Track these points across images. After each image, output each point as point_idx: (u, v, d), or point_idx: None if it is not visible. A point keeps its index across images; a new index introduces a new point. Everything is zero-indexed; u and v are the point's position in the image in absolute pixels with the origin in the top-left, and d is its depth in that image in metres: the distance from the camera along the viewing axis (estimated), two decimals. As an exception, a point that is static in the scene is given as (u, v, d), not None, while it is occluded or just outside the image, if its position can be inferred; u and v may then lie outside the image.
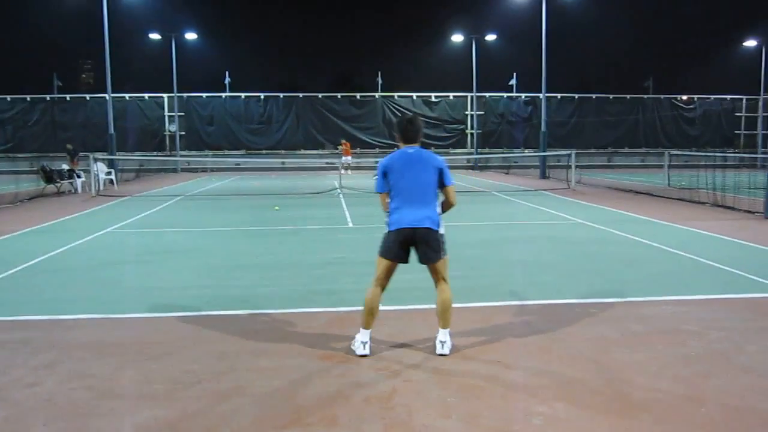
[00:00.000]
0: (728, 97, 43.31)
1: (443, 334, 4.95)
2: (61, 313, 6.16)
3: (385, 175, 5.01)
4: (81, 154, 25.28)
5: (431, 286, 6.64)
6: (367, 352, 4.90)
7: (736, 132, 43.28)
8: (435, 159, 5.00)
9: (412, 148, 5.01)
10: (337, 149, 34.53)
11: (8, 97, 39.29)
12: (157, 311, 6.22)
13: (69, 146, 25.43)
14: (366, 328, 4.95)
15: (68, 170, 22.14)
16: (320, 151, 39.05)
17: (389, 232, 4.96)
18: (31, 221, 13.14)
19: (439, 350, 4.89)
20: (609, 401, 4.02)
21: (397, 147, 5.12)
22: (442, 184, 4.97)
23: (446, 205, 5.05)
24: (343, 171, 30.13)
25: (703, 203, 15.84)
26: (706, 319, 5.79)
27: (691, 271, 8.06)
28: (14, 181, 20.83)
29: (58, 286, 7.43)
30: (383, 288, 5.04)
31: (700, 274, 7.89)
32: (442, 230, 4.92)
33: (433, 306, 6.17)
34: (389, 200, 5.03)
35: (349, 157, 32.28)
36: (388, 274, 5.03)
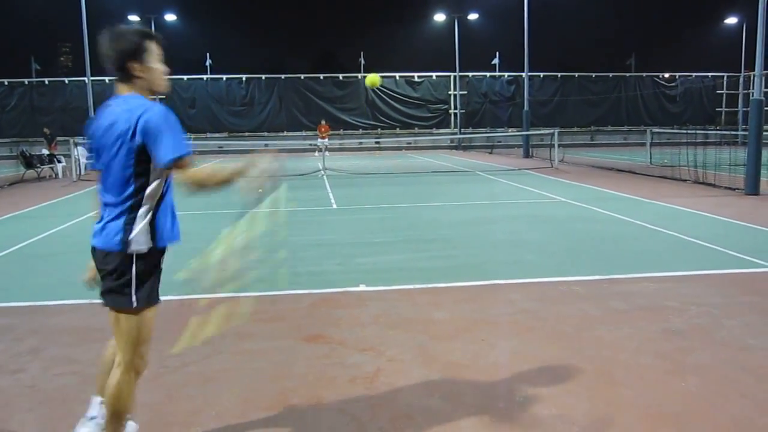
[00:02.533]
0: (709, 74, 43.51)
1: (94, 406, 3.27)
2: (44, 299, 6.11)
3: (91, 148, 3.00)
4: (60, 138, 25.01)
5: (415, 266, 6.67)
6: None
7: (717, 109, 43.54)
8: (125, 122, 2.74)
9: (116, 99, 2.90)
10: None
11: (-15, 82, 38.71)
12: (141, 296, 6.19)
13: (46, 130, 25.12)
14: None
15: (48, 155, 21.89)
16: (304, 133, 38.87)
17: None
18: (11, 207, 13.00)
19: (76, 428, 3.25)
20: (592, 378, 4.07)
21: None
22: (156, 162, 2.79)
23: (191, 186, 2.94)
24: (317, 153, 29.68)
25: (685, 180, 15.98)
26: (687, 295, 5.87)
27: (672, 248, 8.15)
28: (-7, 167, 20.58)
29: (40, 272, 7.37)
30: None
31: (681, 251, 7.97)
32: (138, 247, 2.94)
33: (419, 286, 6.23)
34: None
35: (326, 140, 31.99)
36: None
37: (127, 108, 2.75)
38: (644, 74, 43.20)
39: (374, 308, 5.64)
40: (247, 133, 39.28)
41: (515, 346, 4.68)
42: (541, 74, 41.19)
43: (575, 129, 40.29)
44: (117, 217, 2.87)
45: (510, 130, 38.75)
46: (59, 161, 21.86)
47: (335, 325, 5.19)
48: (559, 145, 23.39)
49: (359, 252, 7.89)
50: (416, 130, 39.52)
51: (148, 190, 2.84)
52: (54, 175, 21.22)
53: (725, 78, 43.54)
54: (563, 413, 3.60)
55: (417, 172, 21.50)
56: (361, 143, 37.92)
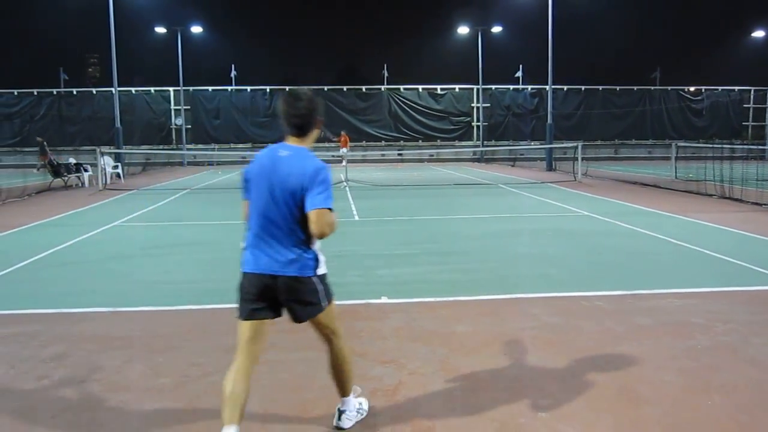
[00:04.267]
0: (736, 88, 43.05)
1: (342, 404, 3.68)
2: (69, 306, 6.19)
3: (245, 180, 3.45)
4: (87, 148, 25.33)
5: (437, 279, 6.66)
6: None
7: (743, 123, 43.03)
8: (299, 176, 3.25)
9: (288, 149, 3.37)
10: (334, 141, 34.54)
11: (15, 92, 39.44)
12: (165, 304, 6.24)
13: (39, 139, 25.24)
14: (227, 423, 3.25)
15: (75, 164, 22.20)
16: (326, 144, 39.06)
17: (242, 273, 3.39)
18: (38, 215, 13.19)
19: (335, 421, 3.66)
20: (615, 395, 4.02)
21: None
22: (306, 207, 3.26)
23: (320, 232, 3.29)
24: (344, 163, 30.30)
25: (711, 195, 15.77)
26: (713, 312, 5.78)
27: (698, 264, 8.04)
28: (22, 175, 20.92)
29: (65, 280, 7.47)
30: (253, 359, 3.42)
31: (707, 267, 7.86)
32: (321, 270, 3.44)
33: (440, 298, 6.21)
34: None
35: (345, 149, 32.32)
36: (250, 337, 3.37)
37: (310, 162, 3.32)
38: (669, 87, 42.84)
39: (396, 321, 5.63)
40: (270, 144, 39.45)
41: (537, 360, 4.64)
42: (565, 87, 41.05)
43: (599, 142, 40.02)
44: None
45: (533, 143, 38.61)
46: (86, 170, 22.15)
47: (356, 337, 5.18)
48: (583, 159, 23.24)
49: (381, 264, 7.89)
50: (439, 142, 39.54)
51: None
52: (80, 184, 21.51)
53: (752, 92, 43.07)
54: (585, 430, 3.56)
55: (439, 184, 21.48)
56: (383, 155, 38.00)
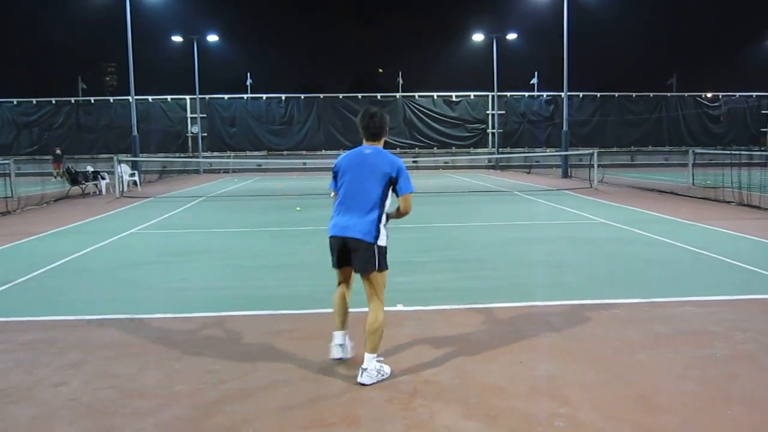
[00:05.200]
0: (754, 94, 42.71)
1: (366, 360, 4.40)
2: (86, 313, 6.23)
3: (335, 175, 4.69)
4: (104, 156, 25.55)
5: (453, 287, 6.65)
6: (340, 355, 4.77)
7: (762, 130, 42.67)
8: (388, 166, 4.51)
9: (371, 148, 4.63)
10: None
11: (34, 100, 39.95)
12: (181, 312, 6.27)
13: (58, 151, 25.40)
14: (336, 330, 4.79)
15: (92, 172, 22.41)
16: (341, 152, 39.08)
17: (329, 236, 4.65)
18: (56, 222, 13.32)
19: (358, 378, 4.36)
20: (632, 403, 3.98)
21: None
22: (396, 192, 4.57)
23: (400, 213, 4.68)
24: None
25: (729, 202, 15.63)
26: (732, 320, 5.72)
27: (715, 272, 7.96)
28: (40, 183, 21.13)
29: (82, 287, 7.52)
30: (347, 287, 4.88)
31: (725, 275, 7.78)
32: (381, 242, 4.49)
33: (456, 306, 6.20)
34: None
35: None
36: (343, 277, 4.84)
37: (391, 157, 4.63)
38: (686, 94, 42.59)
39: (411, 328, 5.62)
40: (285, 152, 39.71)
41: (554, 369, 4.61)
42: (581, 94, 40.94)
43: (615, 149, 39.83)
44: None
45: (548, 150, 38.49)
46: (103, 178, 22.35)
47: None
48: (599, 166, 23.13)
49: (396, 271, 7.85)
50: (454, 149, 39.51)
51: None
52: (98, 192, 21.70)
53: (770, 98, 42.66)
54: (604, 439, 3.53)
55: (454, 191, 21.45)
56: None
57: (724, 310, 6.09)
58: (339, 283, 4.83)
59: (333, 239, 4.59)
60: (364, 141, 4.70)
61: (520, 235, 11.04)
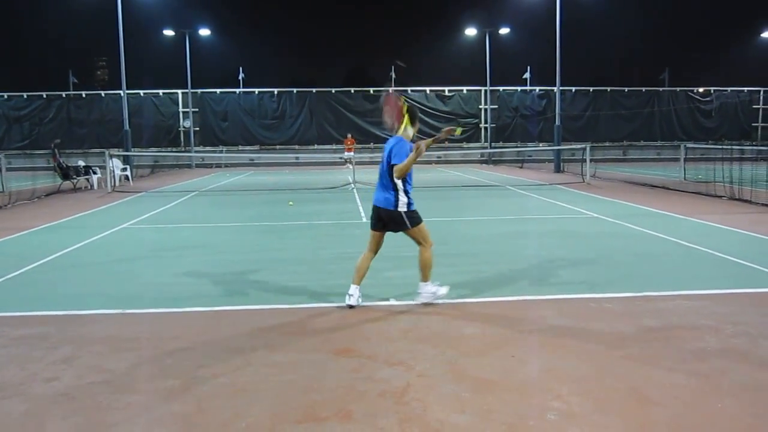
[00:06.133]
0: (745, 89, 42.86)
1: (420, 287, 6.06)
2: (78, 308, 6.22)
3: None
4: (96, 150, 25.39)
5: (445, 281, 6.67)
6: (352, 303, 5.99)
7: (753, 124, 42.83)
8: (388, 148, 5.81)
9: (393, 139, 5.89)
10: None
11: (25, 95, 39.69)
12: (173, 306, 6.26)
13: (57, 141, 25.21)
14: (354, 284, 6.04)
15: (84, 166, 22.30)
16: (334, 146, 39.09)
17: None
18: (48, 217, 13.26)
19: (414, 300, 6.08)
20: (624, 397, 4.01)
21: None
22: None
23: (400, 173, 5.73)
24: (347, 166, 31.97)
25: (720, 197, 15.70)
26: (723, 314, 5.75)
27: (707, 266, 8.01)
28: (31, 178, 21.03)
29: (74, 282, 7.50)
30: (374, 253, 6.10)
31: (716, 269, 7.83)
32: (402, 209, 5.78)
33: (448, 301, 6.23)
34: None
35: (351, 153, 32.87)
36: (374, 241, 6.06)
37: (394, 140, 5.85)
38: (678, 89, 42.69)
39: (404, 322, 5.63)
40: (278, 146, 39.63)
41: (546, 362, 4.63)
42: (573, 89, 40.97)
43: (607, 144, 39.93)
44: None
45: (541, 144, 38.54)
46: (95, 173, 22.25)
47: (365, 338, 5.19)
48: (591, 160, 23.18)
49: (389, 266, 7.88)
50: (446, 144, 39.49)
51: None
52: (89, 186, 21.61)
53: (761, 93, 42.87)
54: (595, 432, 3.55)
55: (447, 186, 21.47)
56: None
57: (715, 303, 6.13)
58: (369, 249, 6.06)
59: (373, 208, 5.96)
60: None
61: (512, 230, 11.06)
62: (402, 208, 5.79)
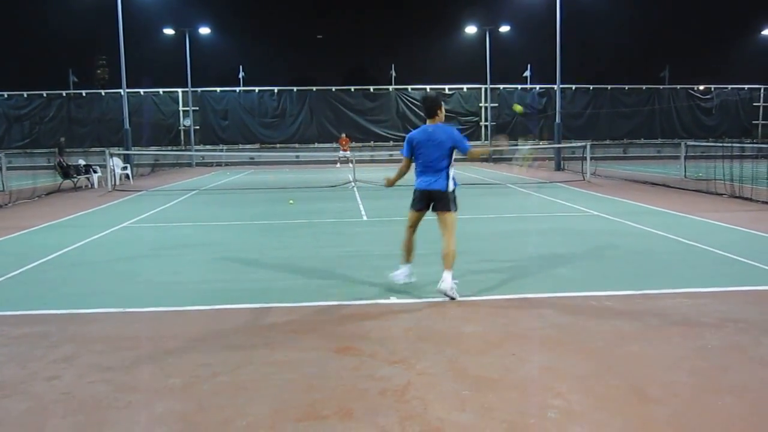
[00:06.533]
0: (746, 86, 42.81)
1: (444, 275, 6.26)
2: (79, 307, 6.22)
3: (410, 143, 6.45)
4: (96, 149, 25.34)
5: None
6: (407, 280, 6.67)
7: (753, 122, 42.79)
8: (447, 137, 6.32)
9: (432, 126, 6.37)
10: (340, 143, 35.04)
11: (25, 94, 39.67)
12: (174, 305, 6.27)
13: (62, 139, 25.18)
14: (406, 263, 6.70)
15: (84, 165, 22.29)
16: (334, 145, 39.07)
17: (414, 189, 6.54)
18: (48, 216, 13.26)
19: (437, 287, 6.27)
20: (625, 394, 4.01)
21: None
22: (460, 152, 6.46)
23: (473, 156, 6.97)
24: (339, 165, 32.93)
25: (721, 194, 15.70)
26: (724, 312, 5.75)
27: (708, 264, 8.00)
28: (31, 177, 21.00)
29: (75, 281, 7.50)
30: (414, 230, 6.66)
31: (717, 266, 7.82)
32: (451, 188, 6.35)
33: (449, 299, 6.22)
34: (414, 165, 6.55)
35: (347, 152, 33.31)
36: (416, 221, 6.61)
37: (450, 128, 6.46)
38: (678, 86, 42.62)
39: (404, 321, 5.63)
40: (278, 145, 39.62)
41: (546, 361, 4.63)
42: (573, 86, 40.94)
43: (608, 142, 39.89)
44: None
45: (541, 142, 38.52)
46: (95, 171, 22.24)
47: (365, 337, 5.19)
48: (591, 158, 23.17)
49: (390, 264, 7.88)
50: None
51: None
52: (90, 185, 21.61)
53: (762, 90, 42.80)
54: (595, 430, 3.55)
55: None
56: (391, 155, 37.98)
57: (716, 301, 6.13)
58: (409, 227, 6.65)
59: (419, 191, 6.47)
60: (426, 120, 6.45)
61: (512, 228, 11.06)
62: (450, 188, 6.37)
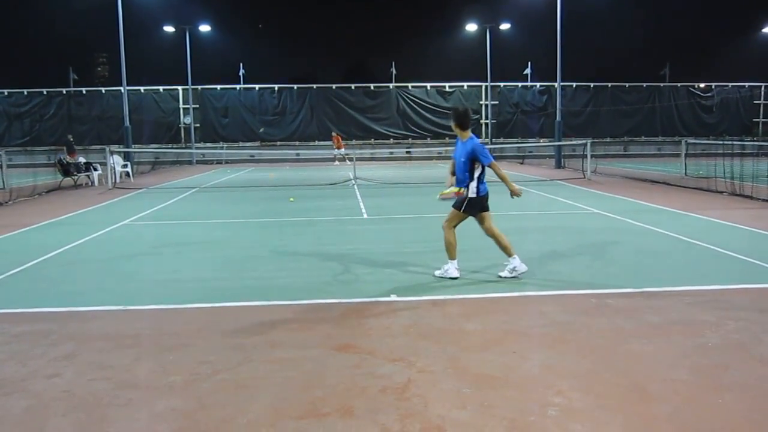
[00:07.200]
0: (746, 84, 42.75)
1: (509, 261, 7.05)
2: (79, 305, 6.22)
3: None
4: (96, 147, 25.33)
5: (446, 280, 6.68)
6: (456, 275, 7.02)
7: (754, 120, 42.74)
8: (468, 148, 7.01)
9: (467, 141, 7.12)
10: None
11: (25, 91, 39.64)
12: (174, 303, 6.27)
13: (70, 137, 25.16)
14: (451, 259, 7.10)
15: (85, 163, 22.29)
16: (332, 143, 39.06)
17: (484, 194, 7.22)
18: (48, 214, 13.26)
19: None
20: (625, 392, 4.01)
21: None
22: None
23: (500, 176, 7.17)
24: (337, 162, 33.09)
25: (721, 192, 15.69)
26: (724, 310, 5.75)
27: (708, 261, 8.00)
28: (32, 175, 21.01)
29: (75, 279, 7.50)
30: (454, 227, 7.17)
31: (717, 264, 7.82)
32: (471, 194, 7.03)
33: (449, 296, 6.23)
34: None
35: (341, 150, 33.49)
36: (459, 219, 7.20)
37: (472, 141, 7.07)
38: (679, 84, 42.56)
39: (405, 318, 5.63)
40: (278, 143, 39.60)
41: (547, 358, 4.63)
42: (574, 84, 40.89)
43: (608, 139, 39.84)
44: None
45: (542, 140, 38.49)
46: (95, 169, 22.24)
47: (366, 335, 5.19)
48: (592, 156, 23.16)
49: (390, 262, 7.89)
50: (447, 140, 39.38)
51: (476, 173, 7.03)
52: (90, 183, 21.61)
53: (763, 88, 42.75)
54: (596, 428, 3.55)
55: (447, 182, 21.39)
56: (391, 153, 37.99)
57: (716, 299, 6.13)
58: (454, 226, 7.14)
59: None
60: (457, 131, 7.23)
61: (513, 226, 11.04)
62: (471, 194, 7.01)
